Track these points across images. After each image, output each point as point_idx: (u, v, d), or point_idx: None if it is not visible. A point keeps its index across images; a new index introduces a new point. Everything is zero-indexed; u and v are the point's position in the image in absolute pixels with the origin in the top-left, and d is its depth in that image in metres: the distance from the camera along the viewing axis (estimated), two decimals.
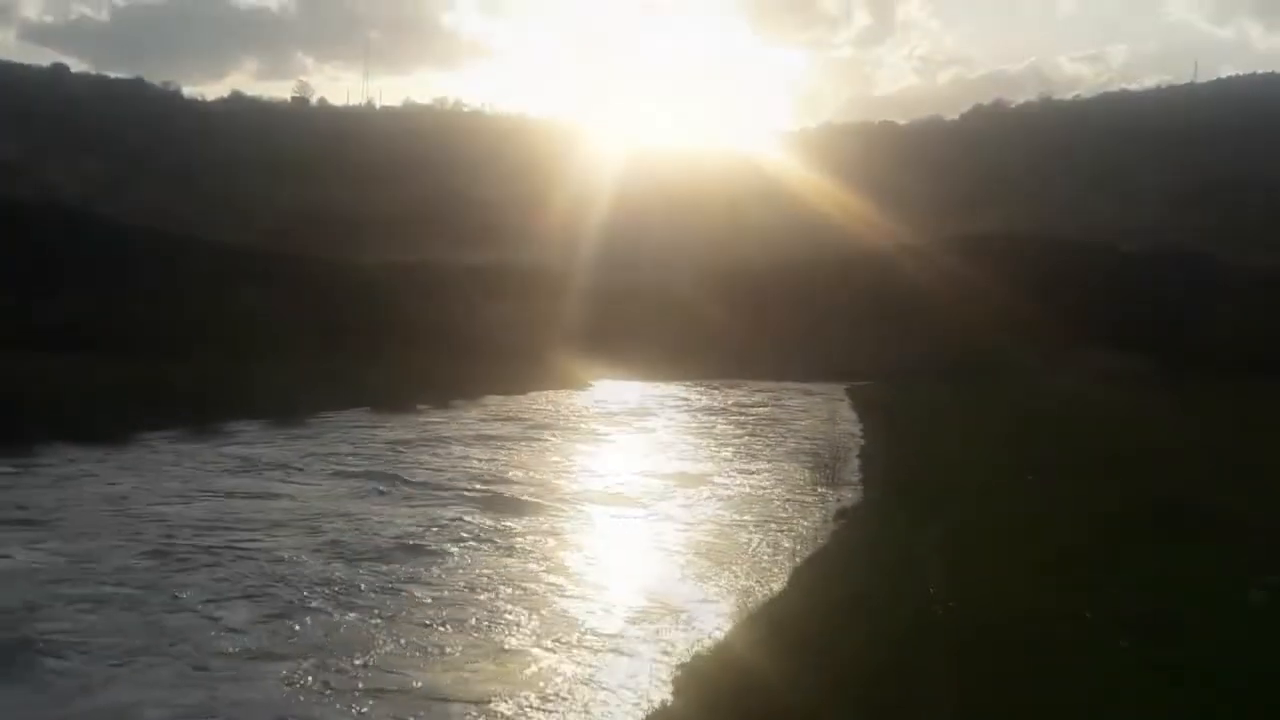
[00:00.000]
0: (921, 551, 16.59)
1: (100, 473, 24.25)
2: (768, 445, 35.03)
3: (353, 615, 13.93)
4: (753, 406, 49.87)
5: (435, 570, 16.56)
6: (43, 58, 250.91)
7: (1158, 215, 78.06)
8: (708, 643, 12.75)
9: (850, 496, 24.13)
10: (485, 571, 16.70)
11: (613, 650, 13.09)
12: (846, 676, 10.37)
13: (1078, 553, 15.85)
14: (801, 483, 26.45)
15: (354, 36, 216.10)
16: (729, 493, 25.04)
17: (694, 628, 13.90)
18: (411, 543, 18.33)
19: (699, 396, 54.78)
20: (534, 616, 14.26)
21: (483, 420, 40.08)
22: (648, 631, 13.87)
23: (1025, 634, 11.57)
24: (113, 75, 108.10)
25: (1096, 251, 74.00)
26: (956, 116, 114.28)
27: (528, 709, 11.08)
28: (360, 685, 11.43)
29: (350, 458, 28.61)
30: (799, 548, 18.65)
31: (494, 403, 47.07)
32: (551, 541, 19.07)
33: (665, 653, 12.88)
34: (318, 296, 65.73)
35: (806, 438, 37.10)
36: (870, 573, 15.45)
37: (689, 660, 12.11)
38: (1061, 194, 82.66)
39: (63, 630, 12.83)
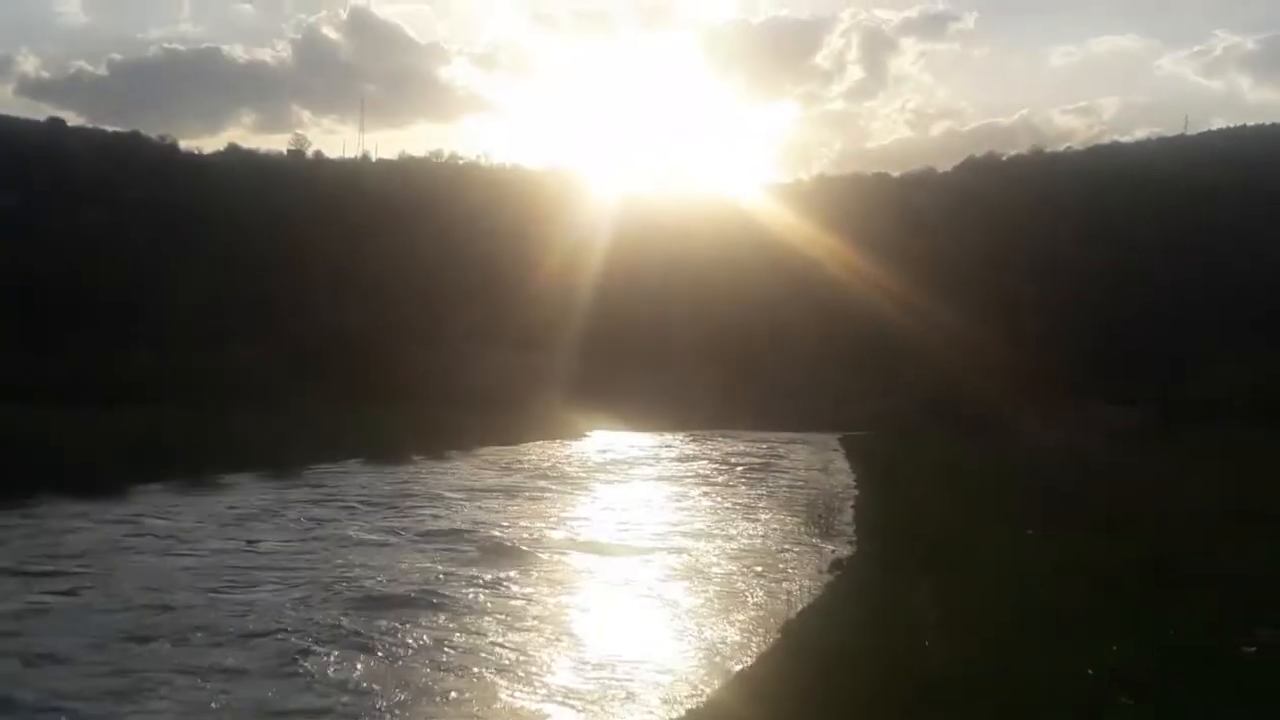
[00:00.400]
0: (917, 606, 16.54)
1: (91, 526, 24.16)
2: (763, 496, 34.99)
3: (360, 663, 13.92)
4: (747, 456, 49.81)
5: (436, 621, 16.48)
6: (39, 112, 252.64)
7: (1150, 266, 78.35)
8: (703, 698, 12.72)
9: (845, 548, 24.05)
10: (485, 622, 16.64)
11: (609, 699, 13.04)
12: None
13: (1077, 609, 15.81)
14: (796, 534, 26.38)
15: (350, 90, 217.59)
16: (725, 543, 24.91)
17: (689, 681, 13.85)
18: (409, 593, 18.30)
19: (694, 447, 54.78)
20: (525, 668, 14.22)
21: (477, 471, 40.03)
22: (644, 684, 13.78)
23: (1025, 692, 11.54)
24: (109, 129, 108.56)
25: (1089, 303, 74.30)
26: (949, 168, 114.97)
27: None
28: None
29: (344, 509, 28.53)
30: (793, 600, 18.66)
31: (489, 454, 47.04)
32: (547, 593, 18.96)
33: (664, 701, 12.87)
34: (312, 347, 65.75)
35: (801, 488, 37.08)
36: (864, 628, 15.38)
37: (683, 715, 12.08)
38: (1054, 245, 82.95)
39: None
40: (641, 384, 70.38)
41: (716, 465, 45.98)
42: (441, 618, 16.69)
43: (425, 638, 15.52)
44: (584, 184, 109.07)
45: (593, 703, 12.98)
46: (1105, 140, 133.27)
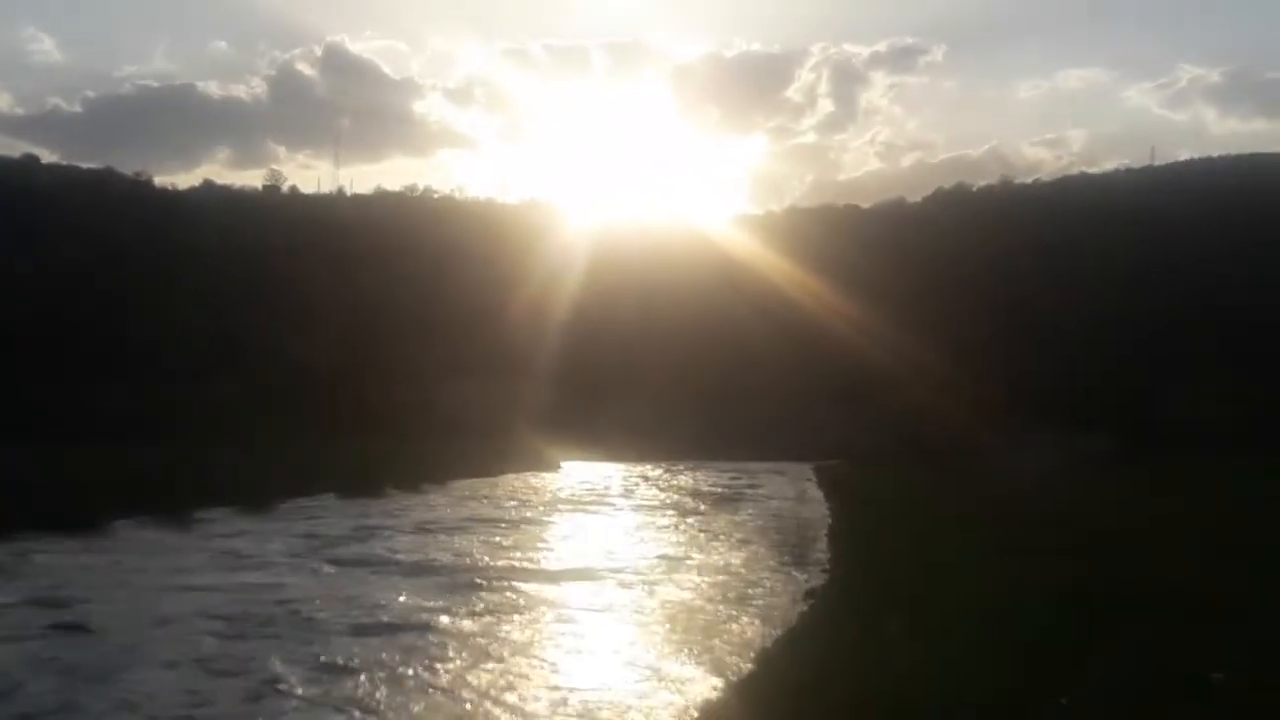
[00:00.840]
0: (890, 635, 16.70)
1: (68, 563, 24.17)
2: (736, 525, 35.10)
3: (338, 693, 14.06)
4: (721, 486, 49.95)
5: (416, 650, 16.59)
6: (13, 149, 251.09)
7: (1119, 296, 79.06)
8: None
9: (819, 576, 24.19)
10: (466, 651, 16.77)
11: None
12: None
13: (1050, 637, 15.96)
14: (770, 563, 26.53)
15: (325, 125, 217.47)
16: (699, 573, 25.01)
17: (662, 713, 14.01)
18: (384, 625, 18.42)
19: (668, 476, 54.92)
20: (505, 694, 14.34)
21: (451, 504, 40.05)
22: (615, 713, 13.95)
23: None
24: (84, 166, 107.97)
25: (1057, 333, 74.90)
26: (919, 200, 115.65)
27: None
28: None
29: (317, 543, 28.56)
30: (767, 630, 18.84)
31: (463, 486, 47.04)
32: (521, 623, 19.11)
33: None
34: (287, 382, 65.66)
35: (775, 517, 37.31)
36: (837, 660, 15.51)
37: None
38: (1023, 276, 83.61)
39: None
40: (615, 415, 70.46)
41: (689, 495, 46.11)
42: (417, 649, 16.77)
43: (398, 669, 15.61)
44: (558, 217, 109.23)
45: None
46: (1073, 171, 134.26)
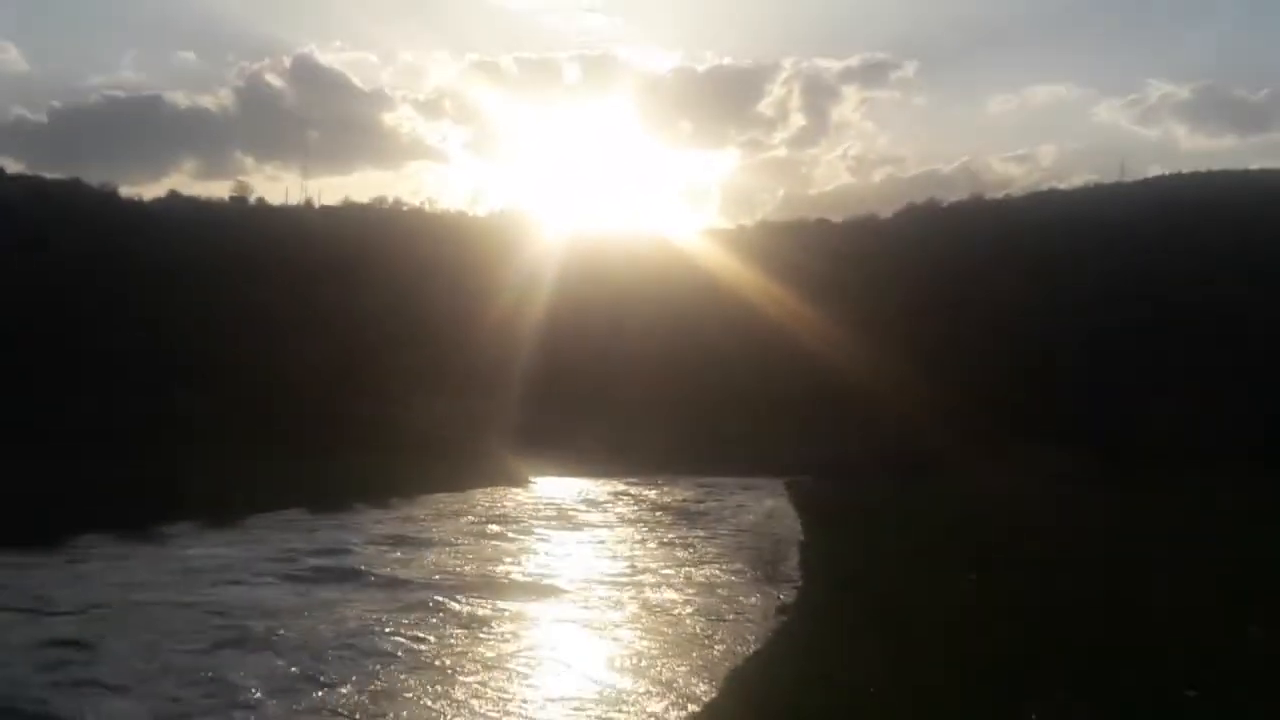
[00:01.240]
0: (862, 652, 16.56)
1: (31, 579, 23.82)
2: (708, 540, 34.86)
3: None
4: (693, 501, 49.76)
5: (384, 665, 16.57)
6: None
7: (1091, 311, 79.35)
8: None
9: (791, 593, 24.12)
10: (435, 665, 16.77)
11: None
12: None
13: (1022, 655, 15.85)
14: (743, 579, 26.39)
15: (293, 136, 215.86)
16: (672, 588, 24.94)
17: None
18: (347, 641, 18.34)
19: (640, 491, 54.66)
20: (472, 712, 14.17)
21: (420, 520, 39.60)
22: None
23: None
24: (49, 177, 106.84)
25: (1031, 348, 75.11)
26: (890, 215, 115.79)
27: None
28: None
29: (286, 557, 28.29)
30: (739, 647, 18.69)
31: (433, 501, 46.60)
32: (497, 639, 19.03)
33: None
34: (254, 395, 65.15)
35: (748, 533, 37.05)
36: (809, 677, 15.36)
37: None
38: (995, 291, 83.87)
39: None
40: (587, 430, 70.23)
41: (661, 510, 45.85)
42: (384, 665, 16.72)
43: (367, 684, 15.56)
44: (529, 230, 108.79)
45: None
46: (1044, 187, 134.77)
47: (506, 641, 19.21)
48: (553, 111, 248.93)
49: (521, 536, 35.40)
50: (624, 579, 26.50)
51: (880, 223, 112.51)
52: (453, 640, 18.94)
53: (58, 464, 40.94)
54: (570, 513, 43.80)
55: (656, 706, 15.13)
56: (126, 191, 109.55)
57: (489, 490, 52.14)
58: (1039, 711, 12.82)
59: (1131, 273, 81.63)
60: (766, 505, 48.50)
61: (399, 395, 71.36)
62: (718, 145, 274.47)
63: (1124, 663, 15.21)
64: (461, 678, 16.36)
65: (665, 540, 34.96)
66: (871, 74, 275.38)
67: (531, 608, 22.47)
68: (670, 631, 20.17)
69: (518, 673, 16.98)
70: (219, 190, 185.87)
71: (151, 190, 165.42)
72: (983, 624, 18.23)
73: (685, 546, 33.22)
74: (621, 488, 56.05)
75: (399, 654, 17.77)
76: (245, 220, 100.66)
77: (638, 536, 36.19)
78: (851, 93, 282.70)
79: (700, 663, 17.64)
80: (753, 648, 18.46)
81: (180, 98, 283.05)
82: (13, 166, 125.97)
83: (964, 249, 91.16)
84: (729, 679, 16.31)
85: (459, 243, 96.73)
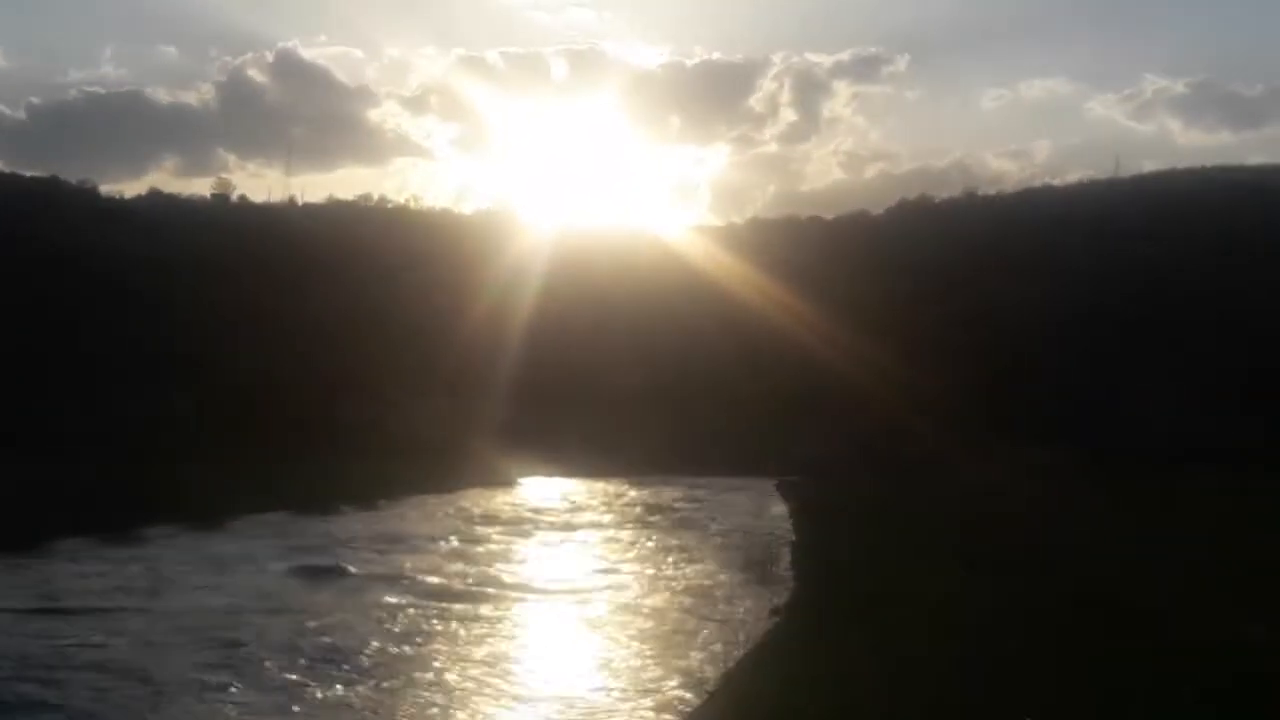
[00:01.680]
0: (857, 653, 16.31)
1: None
2: (699, 541, 34.61)
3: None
4: (683, 501, 49.50)
5: (359, 670, 16.36)
6: None
7: (1081, 308, 79.25)
8: None
9: (784, 593, 23.88)
10: (431, 664, 16.78)
11: None
12: None
13: (1018, 656, 15.63)
14: (735, 580, 26.20)
15: (276, 133, 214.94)
16: (664, 590, 24.72)
17: None
18: (335, 643, 18.11)
19: (629, 491, 54.38)
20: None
21: (407, 521, 39.27)
22: None
23: None
24: (28, 174, 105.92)
25: (1020, 345, 74.96)
26: (882, 211, 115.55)
27: None
28: None
29: (273, 559, 28.01)
30: (733, 648, 18.43)
31: (420, 503, 46.26)
32: (481, 642, 18.72)
33: None
34: (237, 396, 64.71)
35: (739, 533, 36.91)
36: (803, 678, 15.17)
37: None
38: (986, 288, 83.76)
39: None
40: (575, 429, 69.92)
41: (652, 510, 45.58)
42: (371, 667, 16.44)
43: (338, 689, 15.35)
44: (516, 227, 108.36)
45: None
46: (1037, 183, 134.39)
47: (490, 645, 18.92)
48: (540, 107, 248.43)
49: (509, 538, 35.09)
50: (613, 580, 26.25)
51: (872, 220, 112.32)
52: (438, 642, 18.75)
53: (33, 465, 40.48)
54: (558, 514, 43.57)
55: (649, 710, 14.88)
56: (106, 189, 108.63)
57: (477, 491, 51.78)
58: (1034, 712, 12.60)
59: (1125, 270, 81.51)
60: (757, 505, 48.33)
61: (385, 395, 71.05)
62: (707, 141, 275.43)
63: (1119, 663, 14.98)
64: (448, 678, 16.21)
65: (655, 541, 34.68)
66: (863, 69, 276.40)
67: (518, 610, 22.26)
68: (662, 634, 20.00)
69: (500, 677, 16.70)
70: (201, 188, 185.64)
71: (132, 188, 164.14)
72: (977, 624, 18.06)
73: (675, 548, 32.91)
74: (610, 488, 55.83)
75: (375, 657, 17.51)
76: (227, 218, 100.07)
77: (627, 537, 35.88)
78: (843, 88, 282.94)
79: (693, 665, 17.48)
80: (745, 649, 18.27)
81: (161, 94, 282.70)
82: None
83: (956, 246, 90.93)
84: (722, 681, 16.14)
85: (445, 240, 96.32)
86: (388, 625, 20.06)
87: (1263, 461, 53.63)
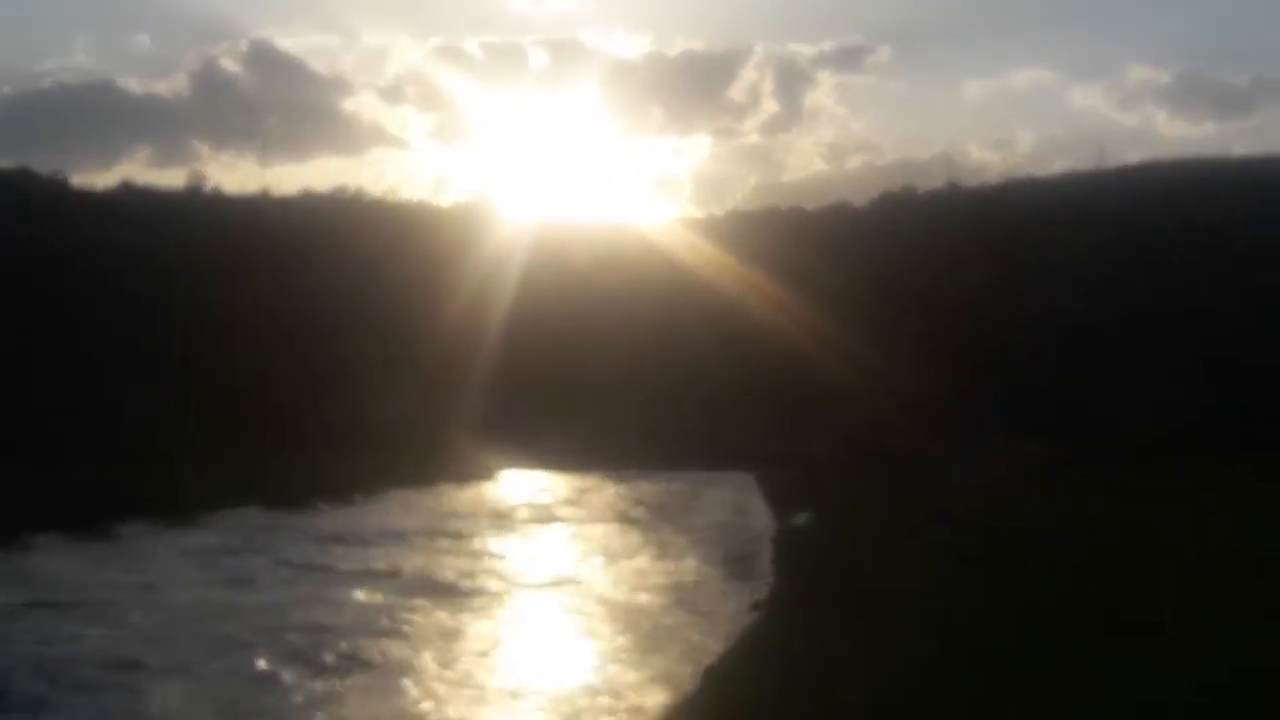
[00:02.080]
0: (837, 648, 16.11)
1: None
2: (681, 535, 34.35)
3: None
4: (663, 495, 49.23)
5: (333, 668, 16.24)
6: None
7: (1066, 300, 79.20)
8: None
9: (764, 588, 23.69)
10: (403, 658, 16.78)
11: None
12: None
13: (1008, 656, 15.40)
14: (715, 574, 26.08)
15: (251, 124, 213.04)
16: (645, 585, 24.48)
17: None
18: (310, 639, 17.96)
19: (610, 485, 54.14)
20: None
21: (386, 516, 38.92)
22: None
23: None
24: None
25: (1006, 337, 74.86)
26: (865, 203, 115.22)
27: None
28: None
29: (251, 556, 27.79)
30: (714, 643, 18.29)
31: (397, 498, 45.89)
32: (458, 637, 18.53)
33: None
34: (210, 391, 64.15)
35: (720, 527, 36.72)
36: (783, 675, 14.98)
37: None
38: (970, 280, 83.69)
39: None
40: (556, 423, 69.71)
41: (632, 504, 45.37)
42: (332, 667, 16.30)
43: (311, 686, 15.11)
44: (495, 219, 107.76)
45: None
46: (1021, 174, 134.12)
47: (469, 641, 18.73)
48: (519, 98, 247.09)
49: (487, 533, 34.77)
50: (591, 575, 26.09)
51: (854, 211, 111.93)
52: (415, 637, 18.56)
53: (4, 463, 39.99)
54: (537, 508, 43.39)
55: (627, 707, 14.68)
56: (78, 181, 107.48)
57: (455, 486, 51.49)
58: (1020, 711, 12.32)
59: (1109, 261, 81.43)
60: (737, 498, 48.18)
61: (363, 390, 70.57)
62: (688, 132, 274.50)
63: (1110, 661, 14.68)
64: (424, 673, 16.12)
65: (635, 535, 34.57)
66: (846, 59, 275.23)
67: (495, 605, 22.07)
68: (642, 630, 19.86)
69: (478, 673, 16.58)
70: (174, 179, 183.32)
71: (104, 179, 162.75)
72: (961, 619, 17.87)
73: (655, 542, 32.71)
74: (590, 481, 55.62)
75: (351, 651, 17.38)
76: (201, 211, 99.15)
77: (606, 531, 35.65)
78: (825, 78, 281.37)
79: (672, 661, 17.36)
80: (726, 645, 18.13)
81: (134, 84, 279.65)
82: None
83: (939, 237, 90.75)
84: (701, 677, 15.96)
85: (423, 233, 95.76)
86: (364, 619, 19.91)
87: (1246, 457, 53.54)
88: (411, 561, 27.51)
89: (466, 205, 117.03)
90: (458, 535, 33.70)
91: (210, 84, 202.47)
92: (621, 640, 18.91)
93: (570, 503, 46.17)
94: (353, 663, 16.92)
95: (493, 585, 24.35)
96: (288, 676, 16.00)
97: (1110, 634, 16.30)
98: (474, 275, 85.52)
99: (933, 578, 22.39)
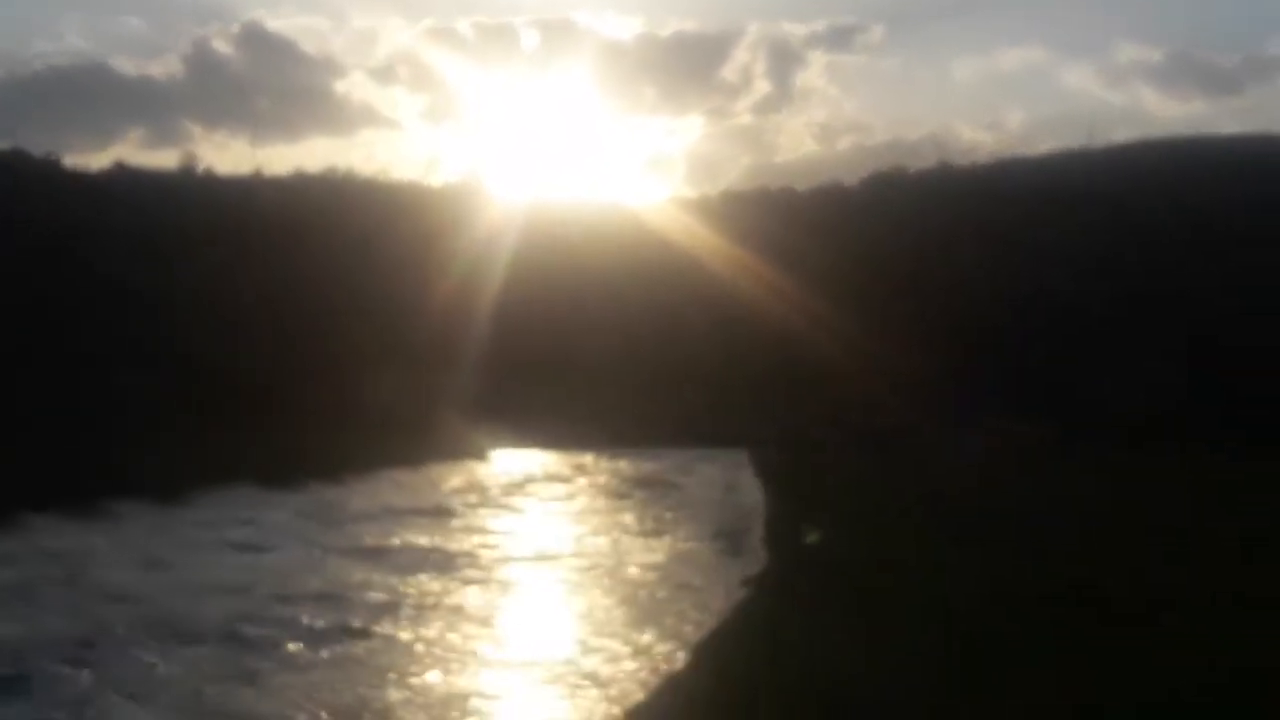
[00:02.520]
0: (826, 625, 16.14)
1: None
2: (673, 513, 34.43)
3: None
4: (655, 474, 49.25)
5: (328, 642, 16.11)
6: None
7: (1057, 280, 79.22)
8: None
9: (755, 566, 23.74)
10: (394, 633, 16.77)
11: None
12: None
13: (994, 637, 15.41)
14: (707, 551, 26.14)
15: (242, 105, 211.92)
16: (637, 562, 24.45)
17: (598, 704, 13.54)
18: (295, 616, 17.87)
19: (601, 464, 54.20)
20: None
21: (379, 495, 38.89)
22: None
23: None
24: None
25: (997, 318, 74.86)
26: (856, 183, 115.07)
27: None
28: None
29: (242, 533, 27.76)
30: (704, 619, 18.37)
31: (389, 476, 45.83)
32: (453, 614, 18.50)
33: None
34: (202, 370, 64.02)
35: (712, 506, 36.76)
36: (773, 652, 15.01)
37: None
38: (961, 260, 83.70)
39: None
40: (548, 402, 69.63)
41: (624, 482, 45.41)
42: (327, 641, 16.21)
43: (301, 663, 15.09)
44: (486, 200, 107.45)
45: None
46: (1011, 154, 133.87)
47: (461, 616, 18.71)
48: (511, 78, 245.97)
49: (479, 510, 34.85)
50: (584, 553, 26.06)
51: (845, 191, 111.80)
52: (407, 612, 18.59)
53: None
54: (529, 486, 43.43)
55: (619, 680, 14.72)
56: (71, 162, 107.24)
57: (447, 464, 51.44)
58: (1008, 680, 12.38)
59: (1099, 241, 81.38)
60: (730, 477, 48.18)
61: (354, 369, 70.47)
62: (681, 112, 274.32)
63: (1106, 648, 14.69)
64: (417, 647, 16.22)
65: (627, 514, 34.53)
66: (837, 38, 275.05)
67: (488, 582, 22.01)
68: (634, 606, 19.90)
69: (471, 647, 16.60)
70: (166, 160, 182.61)
71: (97, 160, 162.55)
72: (956, 604, 17.86)
73: (648, 520, 32.81)
74: (581, 460, 55.64)
75: (343, 627, 17.40)
76: (193, 191, 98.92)
77: (599, 510, 35.73)
78: (817, 58, 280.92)
79: (663, 635, 17.39)
80: (716, 621, 18.15)
81: (126, 65, 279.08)
82: None
83: (930, 217, 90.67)
84: (692, 653, 16.07)
85: (414, 213, 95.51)
86: (357, 596, 19.95)
87: (1235, 437, 53.68)
88: (403, 537, 27.55)
89: (458, 185, 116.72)
90: (449, 512, 33.78)
91: (202, 65, 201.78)
92: (611, 615, 18.95)
93: (562, 480, 46.22)
94: (347, 633, 17.05)
95: (484, 559, 24.43)
96: (287, 646, 16.19)
97: (1103, 622, 16.31)
98: (466, 255, 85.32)
99: (925, 557, 22.42)
